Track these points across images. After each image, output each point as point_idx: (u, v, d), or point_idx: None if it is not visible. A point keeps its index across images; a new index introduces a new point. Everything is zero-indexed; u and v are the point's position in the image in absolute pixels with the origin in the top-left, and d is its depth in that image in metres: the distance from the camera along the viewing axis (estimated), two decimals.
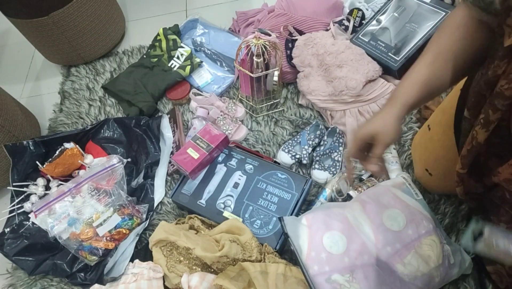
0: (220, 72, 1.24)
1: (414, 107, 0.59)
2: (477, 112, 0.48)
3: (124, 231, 0.92)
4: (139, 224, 0.95)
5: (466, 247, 0.66)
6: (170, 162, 1.06)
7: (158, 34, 1.30)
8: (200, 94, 1.17)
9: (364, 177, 0.95)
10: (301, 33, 1.16)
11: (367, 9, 1.20)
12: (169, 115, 1.14)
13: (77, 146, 1.08)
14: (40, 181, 1.06)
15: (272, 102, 1.13)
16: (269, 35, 1.03)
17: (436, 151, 0.80)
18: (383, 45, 1.08)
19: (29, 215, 0.99)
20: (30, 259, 0.93)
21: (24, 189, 1.05)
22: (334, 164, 0.98)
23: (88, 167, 1.06)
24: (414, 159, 0.92)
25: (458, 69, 0.55)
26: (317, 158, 0.99)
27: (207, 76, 1.23)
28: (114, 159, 1.03)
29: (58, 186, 1.05)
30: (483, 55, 0.54)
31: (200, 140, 0.96)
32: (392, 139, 0.60)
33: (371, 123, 0.59)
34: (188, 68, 1.22)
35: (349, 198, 0.90)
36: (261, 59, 0.99)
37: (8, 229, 0.98)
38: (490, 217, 0.55)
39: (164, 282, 0.83)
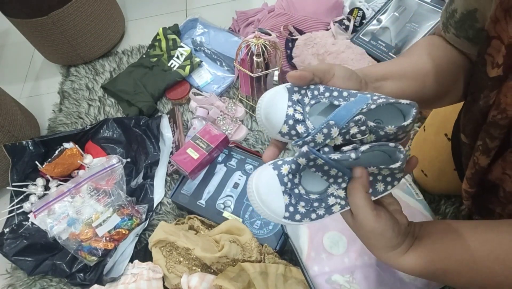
0: (220, 72, 1.24)
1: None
2: (475, 138, 0.48)
3: (124, 231, 0.92)
4: (138, 224, 0.94)
5: None
6: (169, 162, 1.06)
7: (157, 34, 1.30)
8: (200, 94, 1.17)
9: None
10: (301, 32, 1.15)
11: (367, 9, 1.20)
12: (168, 115, 1.14)
13: (76, 146, 1.08)
14: (40, 181, 1.06)
15: None
16: (269, 34, 1.03)
17: (430, 152, 0.81)
18: (384, 44, 1.08)
19: (29, 215, 0.99)
20: (30, 259, 0.93)
21: (24, 189, 1.05)
22: None
23: (88, 167, 1.06)
24: None
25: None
26: None
27: (207, 76, 1.23)
28: (114, 159, 1.03)
29: (57, 186, 1.04)
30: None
31: (200, 141, 0.96)
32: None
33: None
34: (187, 68, 1.22)
35: None
36: (261, 59, 0.98)
37: (8, 229, 0.98)
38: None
39: (163, 282, 0.83)
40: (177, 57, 1.26)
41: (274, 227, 0.84)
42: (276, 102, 0.40)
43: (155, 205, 1.00)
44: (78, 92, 1.32)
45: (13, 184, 1.04)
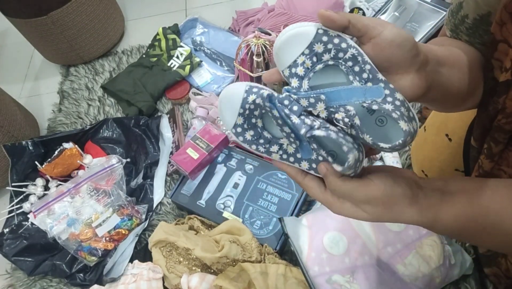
0: (220, 71, 1.23)
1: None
2: (482, 143, 0.48)
3: (124, 232, 0.92)
4: (138, 225, 0.94)
5: None
6: (169, 162, 1.05)
7: (157, 34, 1.29)
8: (200, 94, 1.17)
9: None
10: None
11: (367, 9, 1.20)
12: (168, 115, 1.14)
13: (76, 146, 1.08)
14: (39, 181, 1.05)
15: None
16: (269, 34, 1.03)
17: (430, 152, 0.80)
18: None
19: (28, 216, 0.99)
20: (29, 259, 0.92)
21: (23, 189, 1.05)
22: None
23: (87, 167, 1.06)
24: (412, 160, 0.92)
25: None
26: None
27: (207, 75, 1.23)
28: (113, 159, 1.03)
29: (57, 186, 1.04)
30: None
31: (200, 141, 0.96)
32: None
33: None
34: (187, 67, 1.21)
35: None
36: (261, 58, 0.98)
37: (7, 230, 0.97)
38: None
39: (163, 282, 0.83)
40: (177, 57, 1.25)
41: (274, 227, 0.84)
42: (293, 43, 0.37)
43: (155, 205, 0.99)
44: (77, 92, 1.32)
45: (13, 184, 1.04)
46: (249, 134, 0.41)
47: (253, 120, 0.41)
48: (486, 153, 0.47)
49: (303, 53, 0.37)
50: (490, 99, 0.44)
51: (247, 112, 0.40)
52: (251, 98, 0.39)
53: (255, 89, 0.40)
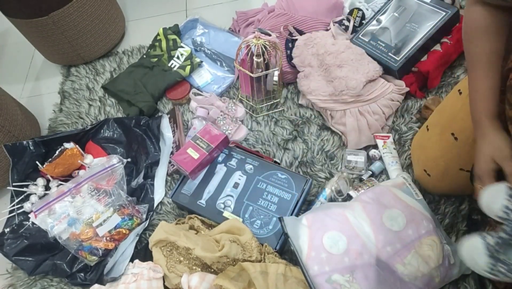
0: (220, 72, 1.24)
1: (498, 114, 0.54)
2: (503, 109, 0.50)
3: (124, 231, 0.92)
4: (139, 224, 0.95)
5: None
6: (170, 162, 1.06)
7: (158, 34, 1.30)
8: (200, 94, 1.17)
9: (364, 177, 0.95)
10: (301, 33, 1.16)
11: (367, 9, 1.20)
12: (169, 115, 1.14)
13: (77, 146, 1.08)
14: (40, 181, 1.06)
15: (272, 102, 1.13)
16: (269, 35, 1.03)
17: (434, 151, 0.80)
18: (383, 45, 1.08)
19: (29, 215, 0.99)
20: (30, 259, 0.93)
21: (24, 189, 1.05)
22: None
23: (88, 167, 1.06)
24: (413, 160, 0.92)
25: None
26: None
27: (207, 76, 1.23)
28: (114, 159, 1.03)
29: (58, 186, 1.04)
30: None
31: (200, 140, 0.96)
32: (509, 151, 0.55)
33: (481, 156, 0.58)
34: (188, 68, 1.22)
35: (349, 198, 0.90)
36: (261, 59, 0.99)
37: (8, 229, 0.98)
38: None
39: (164, 282, 0.83)
40: (178, 58, 1.26)
41: (274, 227, 0.84)
42: (496, 194, 0.53)
43: (155, 205, 1.00)
44: (78, 92, 1.32)
45: (14, 184, 1.04)
46: (501, 268, 0.52)
47: (501, 256, 0.52)
48: (503, 120, 0.48)
49: (506, 198, 0.52)
50: (508, 59, 0.44)
51: (491, 250, 0.53)
52: (489, 239, 0.53)
53: (484, 234, 0.53)
